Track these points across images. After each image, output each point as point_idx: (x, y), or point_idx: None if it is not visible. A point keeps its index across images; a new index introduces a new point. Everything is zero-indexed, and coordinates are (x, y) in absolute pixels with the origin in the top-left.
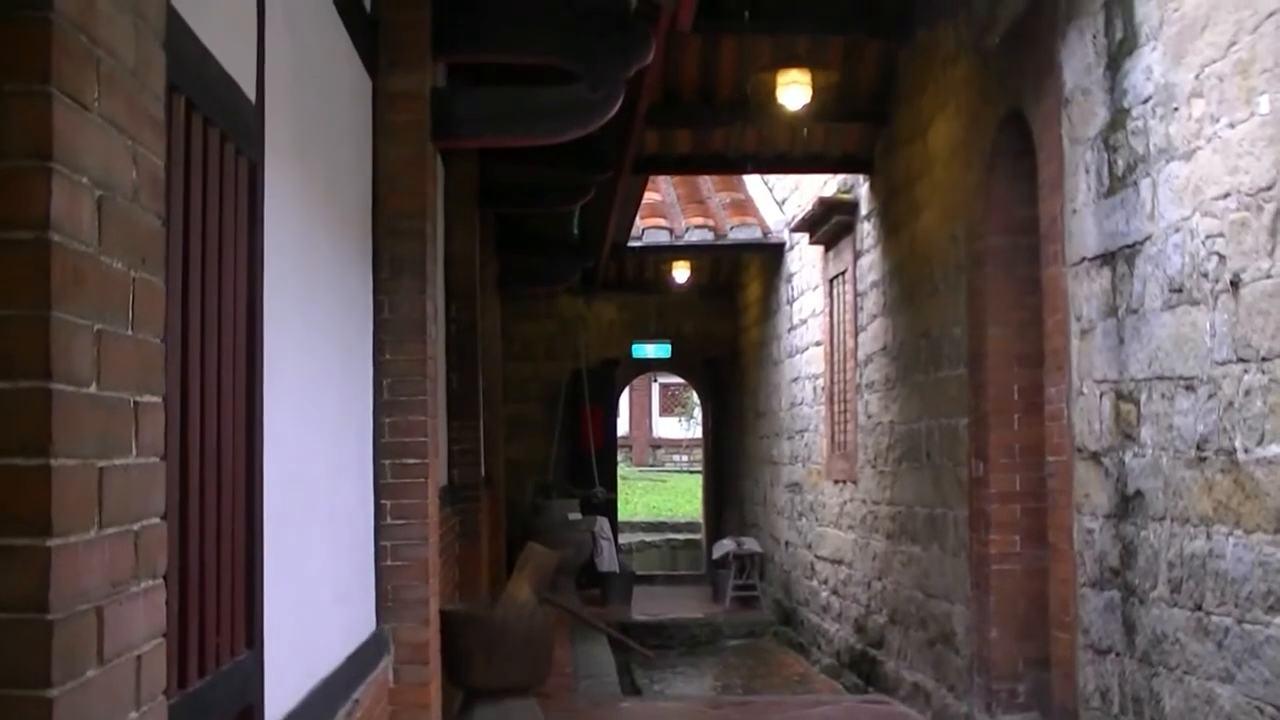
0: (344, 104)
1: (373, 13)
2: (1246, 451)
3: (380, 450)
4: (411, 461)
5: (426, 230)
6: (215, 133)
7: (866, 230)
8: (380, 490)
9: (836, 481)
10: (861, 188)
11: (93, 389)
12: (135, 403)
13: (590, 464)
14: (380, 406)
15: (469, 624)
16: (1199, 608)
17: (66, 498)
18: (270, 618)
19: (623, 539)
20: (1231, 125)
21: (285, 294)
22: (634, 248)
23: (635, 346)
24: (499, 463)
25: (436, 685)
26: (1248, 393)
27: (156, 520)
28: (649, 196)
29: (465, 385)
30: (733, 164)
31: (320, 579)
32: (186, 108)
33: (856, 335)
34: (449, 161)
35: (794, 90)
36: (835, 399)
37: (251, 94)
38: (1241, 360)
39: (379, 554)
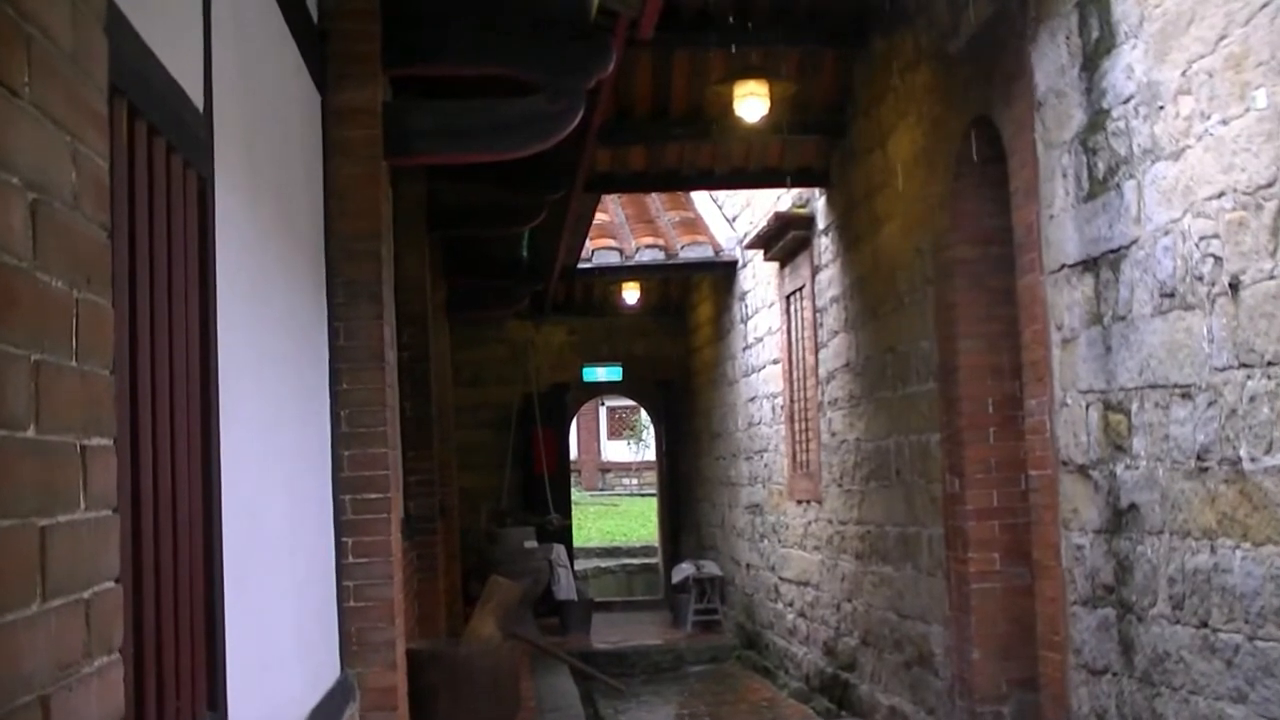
0: (293, 118)
1: (320, 23)
2: (1253, 461)
3: (340, 485)
4: (373, 496)
5: (382, 252)
6: (161, 142)
7: (824, 245)
8: (341, 527)
9: (800, 502)
10: (818, 201)
11: (30, 432)
12: (82, 447)
13: (544, 490)
14: (338, 439)
15: (433, 662)
16: (1204, 625)
17: (0, 566)
18: (233, 675)
19: (578, 565)
20: (1224, 122)
21: (238, 321)
22: (584, 269)
23: (586, 370)
24: (452, 491)
25: None
26: (1252, 399)
27: (111, 584)
28: (598, 217)
29: (419, 414)
30: (687, 180)
31: (283, 627)
32: (129, 112)
33: (817, 352)
34: (396, 183)
35: (752, 101)
36: (796, 417)
37: (199, 102)
38: (1244, 365)
39: (341, 595)
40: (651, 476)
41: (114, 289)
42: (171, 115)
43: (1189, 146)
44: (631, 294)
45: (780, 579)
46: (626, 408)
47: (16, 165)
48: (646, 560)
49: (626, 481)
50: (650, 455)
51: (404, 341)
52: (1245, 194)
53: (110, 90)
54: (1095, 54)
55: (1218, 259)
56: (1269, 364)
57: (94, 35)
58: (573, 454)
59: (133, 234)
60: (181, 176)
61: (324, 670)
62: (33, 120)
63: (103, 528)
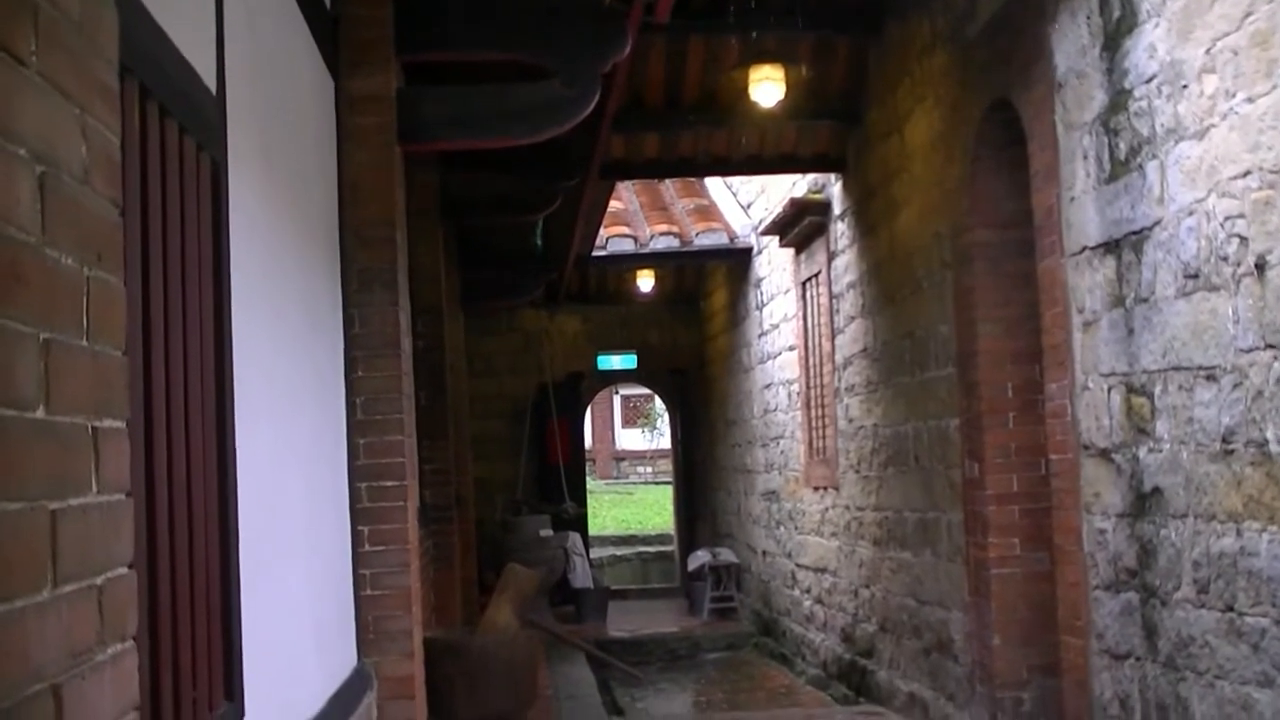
0: (306, 103)
1: (333, 8)
2: None
3: (355, 473)
4: (389, 484)
5: (396, 239)
6: (173, 124)
7: (841, 230)
8: (356, 515)
9: (816, 488)
10: (834, 187)
11: (40, 413)
12: (94, 429)
13: (559, 479)
14: (354, 427)
15: (449, 651)
16: (1230, 609)
17: (9, 551)
18: (249, 665)
19: (593, 554)
20: (1250, 100)
21: (252, 306)
22: (598, 257)
23: (600, 358)
24: (467, 481)
25: None
26: (1279, 381)
27: (124, 570)
28: (612, 205)
29: (434, 403)
30: (702, 167)
31: (300, 616)
32: (141, 93)
33: (833, 338)
34: (409, 171)
35: (767, 86)
36: (812, 404)
37: (212, 84)
38: (1270, 347)
39: (358, 583)
40: (666, 464)
41: (126, 269)
42: (184, 96)
43: (1213, 125)
44: (646, 282)
45: (797, 566)
46: (640, 396)
47: (23, 136)
48: (662, 548)
49: (641, 470)
50: (665, 443)
51: (418, 330)
52: (1272, 172)
53: (121, 69)
54: (1117, 34)
55: (1243, 239)
56: None
57: (103, 6)
58: (587, 443)
59: (145, 215)
60: (194, 158)
61: (341, 659)
62: (40, 90)
63: (115, 512)
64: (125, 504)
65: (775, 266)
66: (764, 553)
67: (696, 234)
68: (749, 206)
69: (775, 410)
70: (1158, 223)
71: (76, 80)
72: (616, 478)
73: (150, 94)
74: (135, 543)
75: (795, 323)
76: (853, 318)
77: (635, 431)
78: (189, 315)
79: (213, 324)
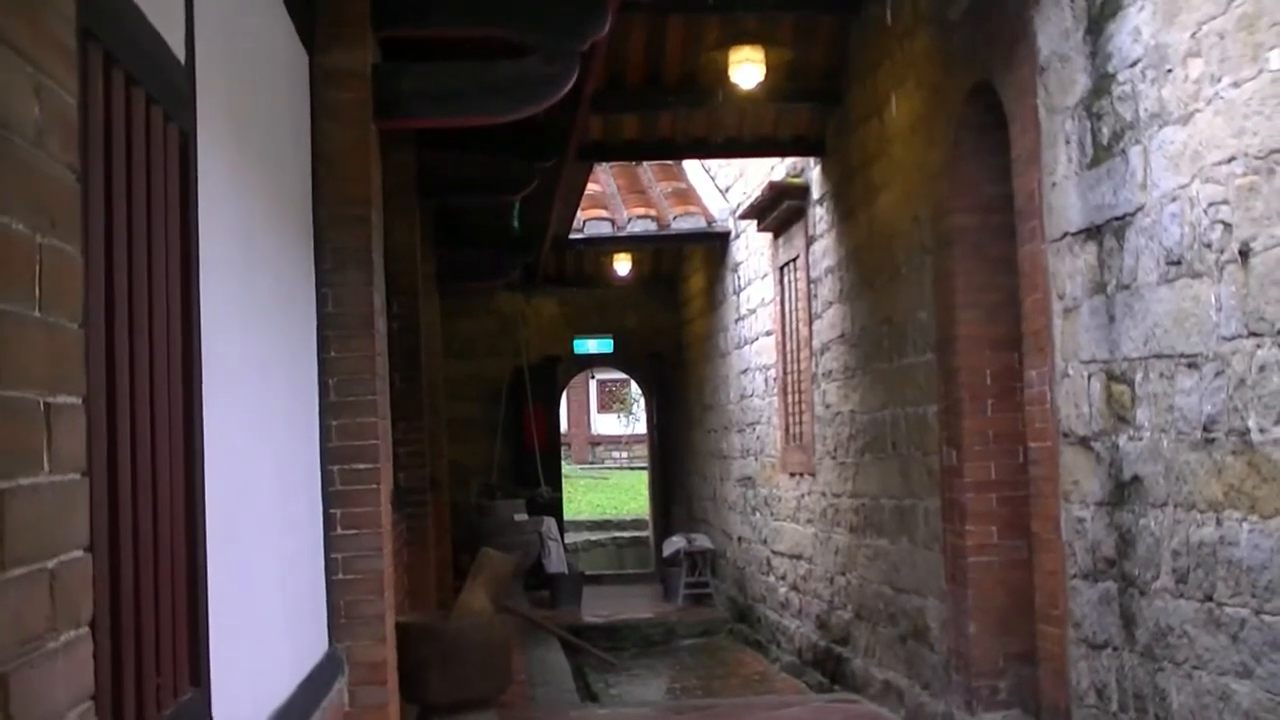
0: (280, 78)
1: None
2: (1262, 432)
3: (328, 455)
4: (362, 467)
5: (372, 218)
6: (140, 92)
7: (819, 214)
8: (329, 498)
9: (793, 474)
10: (813, 171)
11: None
12: (46, 405)
13: (535, 463)
14: (326, 408)
15: (423, 636)
16: (1209, 598)
17: None
18: (217, 650)
19: (568, 538)
20: (1236, 85)
21: (222, 282)
22: (575, 240)
23: (577, 342)
24: (443, 464)
25: (395, 707)
26: (1262, 369)
27: (79, 553)
28: (589, 187)
29: (409, 385)
30: (681, 149)
31: (269, 600)
32: (106, 60)
33: (811, 323)
34: (386, 150)
35: (747, 68)
36: (789, 389)
37: (180, 53)
38: (1254, 334)
39: (329, 567)
40: (641, 449)
41: (89, 241)
42: (151, 65)
43: (1198, 110)
44: (623, 265)
45: (772, 552)
46: (616, 381)
47: None
48: (637, 533)
49: (616, 455)
50: (640, 428)
51: (394, 311)
52: (1257, 158)
53: (85, 33)
54: (1101, 17)
55: (1227, 225)
56: (1279, 333)
57: None
58: (563, 428)
59: (109, 183)
60: (162, 129)
61: (312, 644)
62: None
63: (69, 492)
64: (80, 484)
65: (753, 251)
66: (739, 539)
67: (674, 217)
68: (727, 190)
69: (752, 395)
70: (1140, 208)
71: (30, 38)
72: (592, 462)
73: (116, 60)
74: (96, 524)
75: (773, 307)
76: (831, 303)
77: (611, 416)
78: (155, 289)
79: (180, 299)
